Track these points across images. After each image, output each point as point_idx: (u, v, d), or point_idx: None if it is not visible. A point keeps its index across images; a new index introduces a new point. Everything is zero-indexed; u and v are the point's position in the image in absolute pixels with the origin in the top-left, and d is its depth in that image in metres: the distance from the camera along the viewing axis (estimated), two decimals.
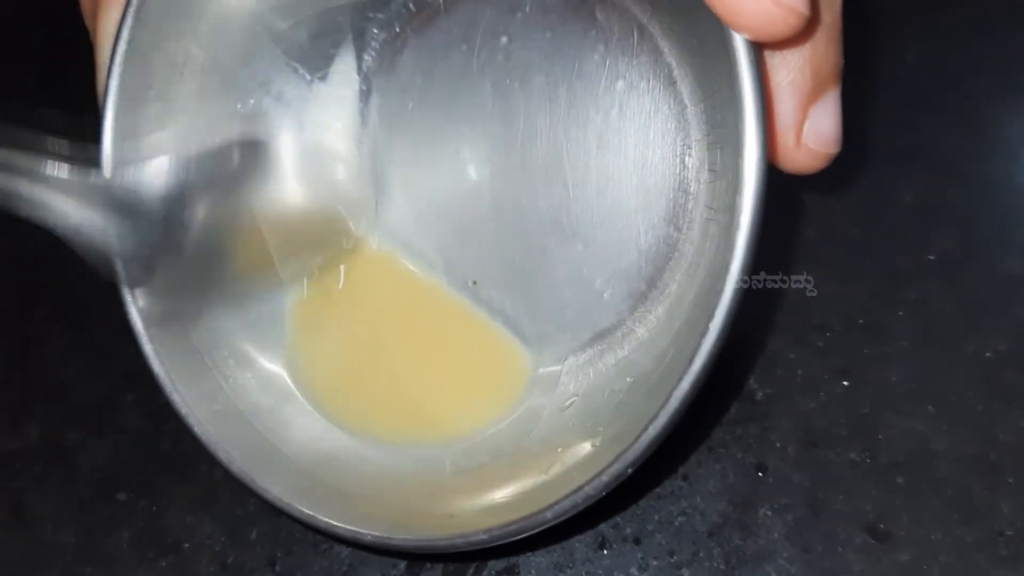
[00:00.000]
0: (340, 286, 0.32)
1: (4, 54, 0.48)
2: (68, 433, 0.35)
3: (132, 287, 0.28)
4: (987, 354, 0.32)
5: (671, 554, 0.30)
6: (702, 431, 0.32)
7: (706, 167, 0.27)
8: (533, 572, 0.30)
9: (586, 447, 0.27)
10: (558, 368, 0.30)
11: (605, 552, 0.30)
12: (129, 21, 0.27)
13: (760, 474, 0.31)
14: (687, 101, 0.28)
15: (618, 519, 0.31)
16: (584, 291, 0.30)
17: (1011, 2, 0.39)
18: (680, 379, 0.22)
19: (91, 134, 0.28)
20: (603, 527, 0.31)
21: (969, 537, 0.30)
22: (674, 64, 0.28)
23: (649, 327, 0.29)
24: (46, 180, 0.26)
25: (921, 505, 0.30)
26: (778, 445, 0.32)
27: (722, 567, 0.30)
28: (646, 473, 0.31)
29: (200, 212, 0.28)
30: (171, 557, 0.32)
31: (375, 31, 0.32)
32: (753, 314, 0.33)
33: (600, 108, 0.29)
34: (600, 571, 0.30)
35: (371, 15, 0.32)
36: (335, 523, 0.26)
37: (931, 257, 0.34)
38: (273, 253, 0.31)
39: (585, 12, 0.29)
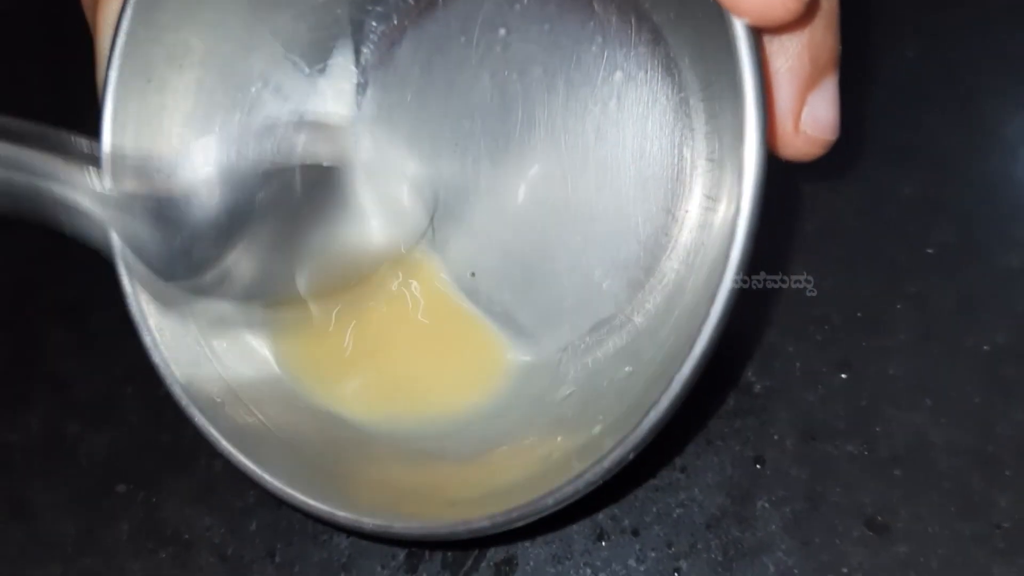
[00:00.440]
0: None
1: (3, 53, 0.48)
2: (68, 426, 0.35)
3: (147, 288, 0.28)
4: (985, 348, 0.32)
5: (669, 546, 0.30)
6: (700, 423, 0.32)
7: (704, 156, 0.28)
8: (531, 563, 0.30)
9: (586, 435, 0.27)
10: (557, 357, 0.30)
11: (603, 544, 0.30)
12: (129, 12, 0.28)
13: (758, 467, 0.31)
14: (685, 91, 0.28)
15: (616, 511, 0.31)
16: (583, 281, 0.30)
17: (1011, 1, 0.39)
18: (681, 364, 0.22)
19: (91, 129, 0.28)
20: (601, 519, 0.31)
21: (967, 530, 0.30)
22: (672, 54, 0.28)
23: (648, 316, 0.29)
24: (79, 186, 0.25)
25: (919, 498, 0.30)
26: (776, 438, 0.32)
27: (720, 559, 0.30)
28: (644, 465, 0.31)
29: (248, 232, 0.28)
30: (170, 549, 0.32)
31: (373, 24, 0.32)
32: (752, 308, 0.33)
33: (598, 99, 0.29)
34: (598, 563, 0.30)
35: (369, 8, 0.32)
36: (336, 511, 0.26)
37: (930, 251, 0.34)
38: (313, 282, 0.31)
39: (583, 3, 0.29)
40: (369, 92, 0.33)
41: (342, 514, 0.26)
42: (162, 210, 0.26)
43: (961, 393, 0.32)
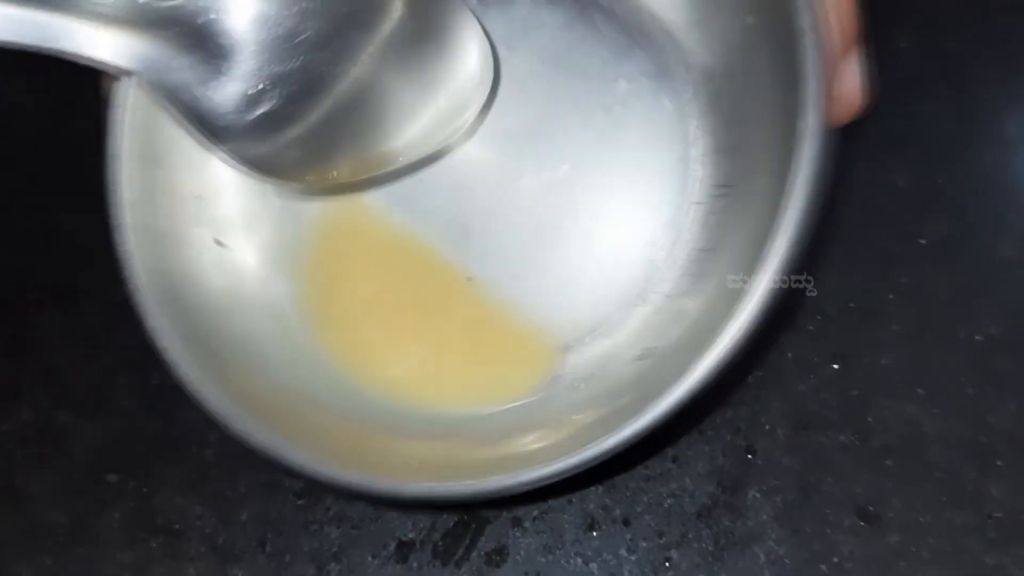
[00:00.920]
0: (355, 250, 0.32)
1: None
2: (60, 415, 0.35)
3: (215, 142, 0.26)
4: (979, 338, 0.32)
5: (660, 535, 0.30)
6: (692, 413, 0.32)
7: (712, 150, 0.28)
8: (522, 553, 0.30)
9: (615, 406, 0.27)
10: (565, 356, 0.30)
11: (594, 533, 0.30)
12: None
13: (750, 456, 0.31)
14: (691, 86, 0.29)
15: (607, 500, 0.31)
16: (591, 279, 0.30)
17: None
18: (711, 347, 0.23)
19: None
20: (592, 508, 0.31)
21: (959, 520, 0.30)
22: (671, 61, 0.28)
23: (661, 311, 0.29)
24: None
25: (911, 488, 0.30)
26: (768, 428, 0.31)
27: (711, 549, 0.30)
28: (636, 454, 0.31)
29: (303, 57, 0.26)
30: (161, 538, 0.32)
31: None
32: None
33: (602, 104, 0.30)
34: (589, 552, 0.30)
35: None
36: (376, 481, 0.25)
37: (923, 242, 0.34)
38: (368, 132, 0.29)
39: (587, 18, 0.30)
40: None
41: (382, 482, 0.25)
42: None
43: (954, 384, 0.32)
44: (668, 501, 0.31)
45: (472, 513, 0.31)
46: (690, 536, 0.30)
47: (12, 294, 0.38)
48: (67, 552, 0.33)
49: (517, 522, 0.31)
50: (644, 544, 0.30)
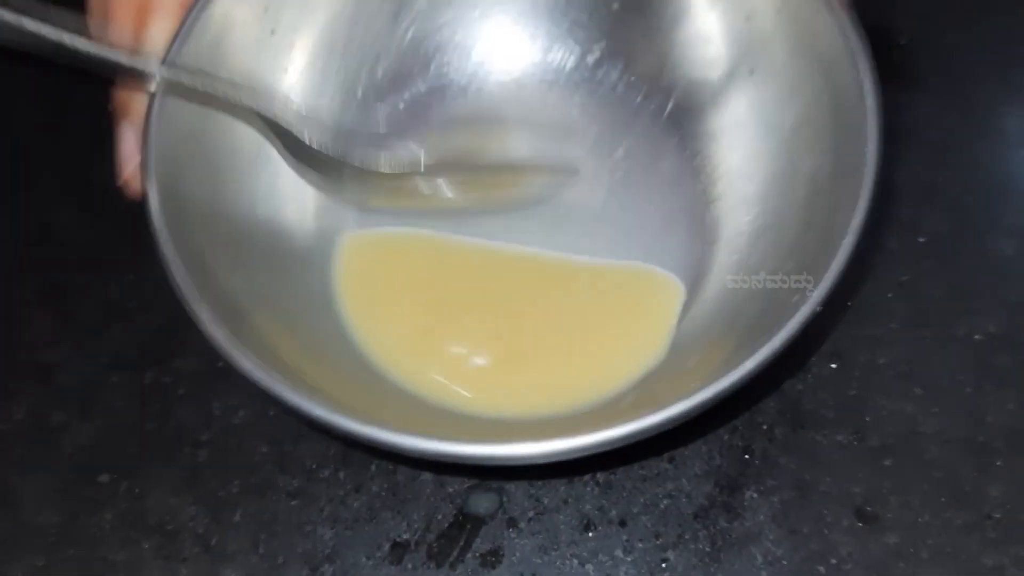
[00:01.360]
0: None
1: None
2: (52, 415, 0.35)
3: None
4: (977, 336, 0.32)
5: (657, 536, 0.30)
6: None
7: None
8: (518, 554, 0.30)
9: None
10: None
11: (590, 534, 0.30)
12: None
13: (747, 456, 0.31)
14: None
15: (603, 501, 0.31)
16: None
17: None
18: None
19: None
20: (588, 509, 0.31)
21: (958, 520, 0.29)
22: None
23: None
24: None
25: (909, 488, 0.30)
26: (765, 427, 0.31)
27: (708, 549, 0.30)
28: (632, 455, 0.31)
29: None
30: (154, 539, 0.32)
31: None
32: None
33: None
34: (585, 553, 0.30)
35: None
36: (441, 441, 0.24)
37: (921, 239, 0.34)
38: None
39: None
40: None
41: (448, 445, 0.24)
42: None
43: (952, 382, 0.32)
44: (665, 502, 0.30)
45: (467, 513, 0.31)
46: (687, 537, 0.30)
47: (4, 293, 0.38)
48: (59, 553, 0.32)
49: (512, 523, 0.30)
50: (640, 545, 0.30)
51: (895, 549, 0.29)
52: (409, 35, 0.36)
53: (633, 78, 0.35)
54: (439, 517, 0.31)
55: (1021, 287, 0.33)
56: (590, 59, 0.36)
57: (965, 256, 0.34)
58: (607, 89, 0.36)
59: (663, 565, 0.30)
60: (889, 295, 0.33)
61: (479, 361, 0.31)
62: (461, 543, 0.30)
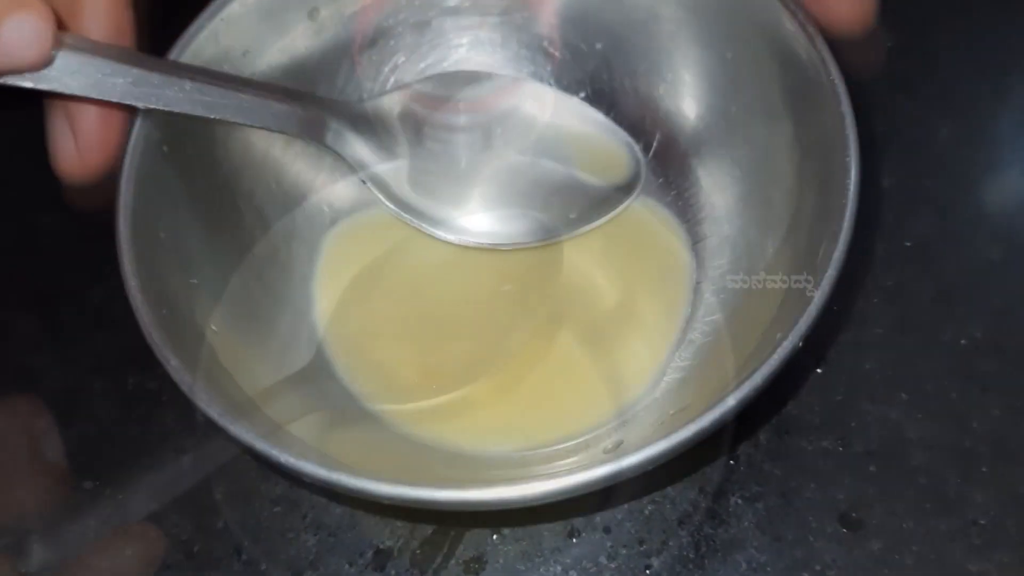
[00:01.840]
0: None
1: None
2: (35, 420, 0.35)
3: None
4: (963, 341, 0.32)
5: (640, 543, 0.30)
6: None
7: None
8: (501, 561, 0.30)
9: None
10: None
11: (574, 541, 0.30)
12: None
13: (731, 462, 0.31)
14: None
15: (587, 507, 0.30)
16: None
17: None
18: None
19: None
20: (572, 515, 0.30)
21: (943, 526, 0.29)
22: None
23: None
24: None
25: (894, 494, 0.30)
26: (749, 433, 0.31)
27: (692, 556, 0.29)
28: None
29: None
30: (138, 545, 0.32)
31: None
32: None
33: None
34: (569, 560, 0.30)
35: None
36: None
37: (907, 244, 0.34)
38: None
39: None
40: None
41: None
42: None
43: (938, 388, 0.31)
44: (649, 508, 0.30)
45: (451, 521, 0.31)
46: (671, 543, 0.30)
47: None
48: (41, 560, 0.32)
49: (496, 530, 0.30)
50: (624, 552, 0.30)
51: (880, 555, 0.29)
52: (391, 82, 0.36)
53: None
54: (422, 524, 0.31)
55: (1007, 292, 0.33)
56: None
57: (951, 261, 0.34)
58: None
59: (647, 571, 0.29)
60: (875, 300, 0.33)
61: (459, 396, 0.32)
62: (444, 550, 0.30)
